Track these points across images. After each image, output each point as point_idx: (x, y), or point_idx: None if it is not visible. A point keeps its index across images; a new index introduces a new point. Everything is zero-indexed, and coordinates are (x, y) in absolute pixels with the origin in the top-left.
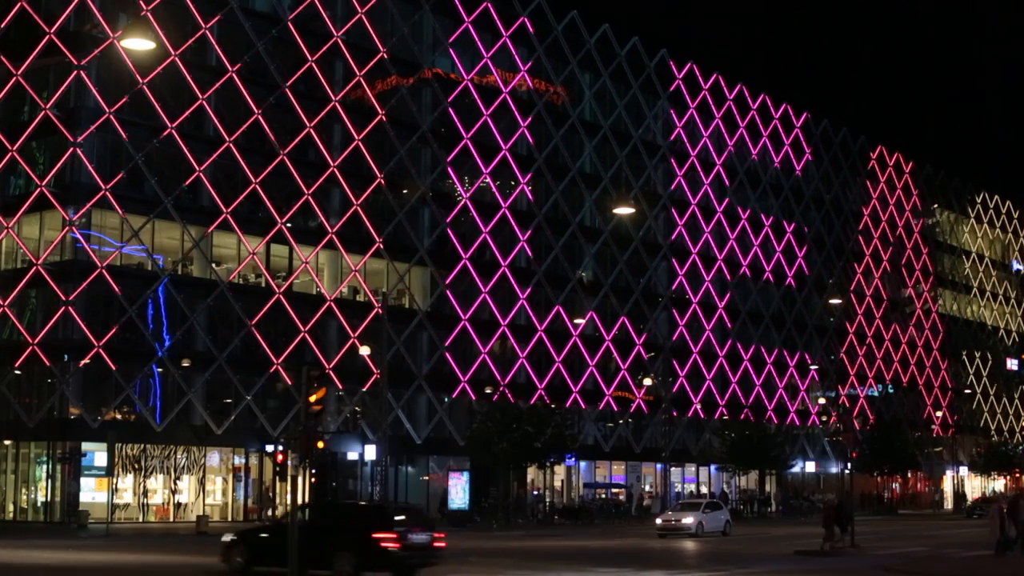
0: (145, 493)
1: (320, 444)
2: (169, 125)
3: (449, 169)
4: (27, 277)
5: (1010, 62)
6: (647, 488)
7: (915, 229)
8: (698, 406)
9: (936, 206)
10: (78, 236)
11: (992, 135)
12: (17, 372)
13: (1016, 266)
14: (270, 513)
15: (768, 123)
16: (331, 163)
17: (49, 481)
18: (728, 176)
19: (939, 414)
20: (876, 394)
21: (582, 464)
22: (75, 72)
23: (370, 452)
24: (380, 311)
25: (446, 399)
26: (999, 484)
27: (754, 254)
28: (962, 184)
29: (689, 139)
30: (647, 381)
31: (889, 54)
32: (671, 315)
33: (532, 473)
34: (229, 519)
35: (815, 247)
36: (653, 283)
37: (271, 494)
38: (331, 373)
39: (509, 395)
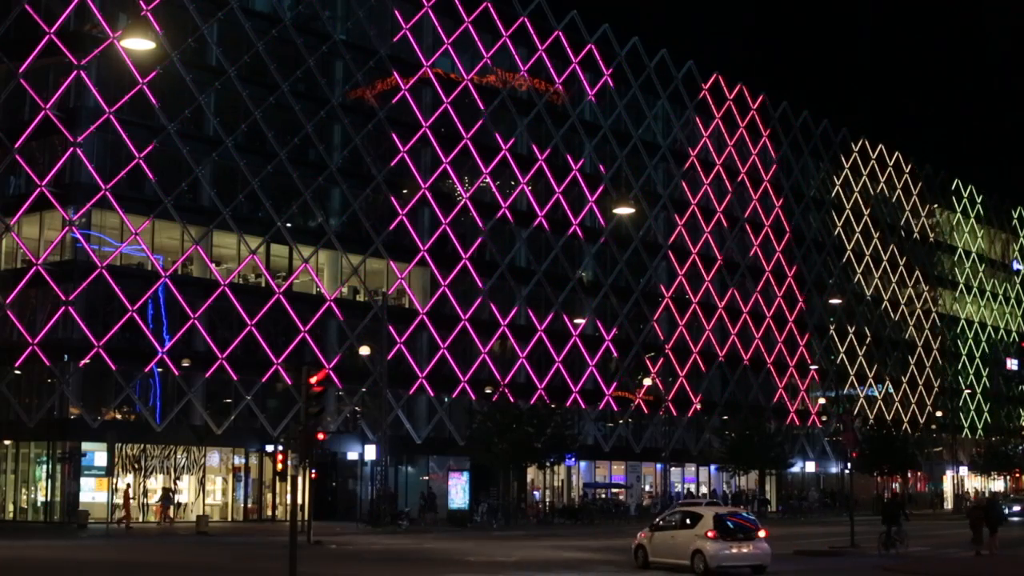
0: (145, 493)
1: (321, 436)
2: (168, 125)
3: (449, 169)
4: (27, 277)
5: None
6: (647, 488)
7: (915, 228)
8: (698, 406)
9: (936, 206)
10: (78, 236)
11: (997, 136)
12: (17, 372)
13: (1016, 266)
14: (171, 513)
15: (768, 123)
16: (331, 163)
17: (49, 481)
18: (728, 176)
19: (938, 414)
20: (876, 394)
21: (582, 464)
22: (75, 72)
23: (370, 452)
24: (380, 311)
25: (446, 399)
26: (999, 484)
27: (754, 254)
28: (963, 184)
29: (689, 139)
30: (647, 381)
31: (891, 57)
32: (671, 315)
33: (532, 473)
34: (229, 519)
35: (815, 247)
36: (653, 283)
37: (172, 493)
38: (331, 373)
39: (509, 395)
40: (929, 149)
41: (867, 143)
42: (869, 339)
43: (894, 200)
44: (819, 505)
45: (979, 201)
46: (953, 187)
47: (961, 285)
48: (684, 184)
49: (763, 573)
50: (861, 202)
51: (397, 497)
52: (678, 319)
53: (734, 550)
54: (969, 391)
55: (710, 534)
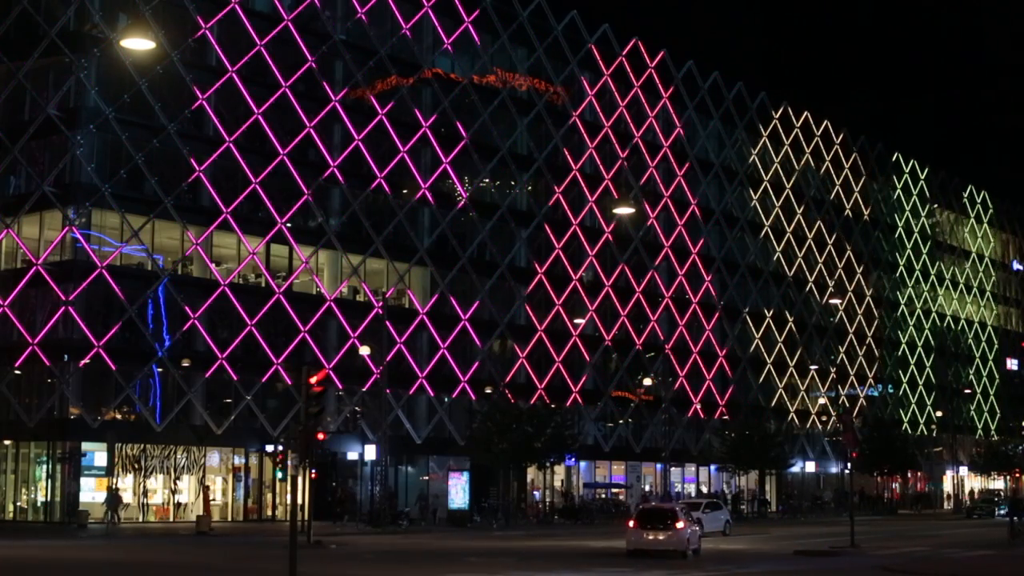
0: (145, 493)
1: (321, 436)
2: (168, 125)
3: (449, 169)
4: (27, 277)
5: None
6: (647, 488)
7: (914, 228)
8: (698, 406)
9: (936, 206)
10: (78, 236)
11: (995, 136)
12: (17, 372)
13: (1016, 266)
14: (118, 513)
15: (768, 123)
16: (331, 163)
17: (49, 481)
18: (728, 176)
19: (939, 414)
20: (876, 394)
21: (582, 464)
22: (75, 72)
23: (370, 452)
24: (380, 311)
25: (446, 399)
26: (999, 484)
27: (753, 254)
28: (962, 184)
29: (689, 139)
30: (647, 381)
31: (890, 56)
32: (671, 315)
33: (532, 473)
34: (229, 519)
35: (815, 247)
36: (653, 283)
37: (119, 493)
38: (331, 373)
39: (509, 395)
40: (929, 149)
41: (866, 143)
42: (868, 338)
43: (895, 199)
44: (834, 505)
45: (979, 200)
46: (954, 186)
47: (960, 284)
48: (684, 184)
49: (686, 558)
50: (861, 202)
51: (356, 499)
52: (678, 319)
53: (649, 537)
54: (969, 389)
55: (631, 524)
